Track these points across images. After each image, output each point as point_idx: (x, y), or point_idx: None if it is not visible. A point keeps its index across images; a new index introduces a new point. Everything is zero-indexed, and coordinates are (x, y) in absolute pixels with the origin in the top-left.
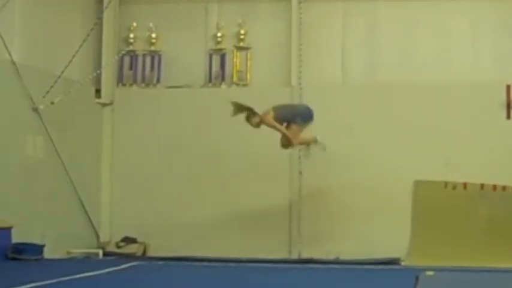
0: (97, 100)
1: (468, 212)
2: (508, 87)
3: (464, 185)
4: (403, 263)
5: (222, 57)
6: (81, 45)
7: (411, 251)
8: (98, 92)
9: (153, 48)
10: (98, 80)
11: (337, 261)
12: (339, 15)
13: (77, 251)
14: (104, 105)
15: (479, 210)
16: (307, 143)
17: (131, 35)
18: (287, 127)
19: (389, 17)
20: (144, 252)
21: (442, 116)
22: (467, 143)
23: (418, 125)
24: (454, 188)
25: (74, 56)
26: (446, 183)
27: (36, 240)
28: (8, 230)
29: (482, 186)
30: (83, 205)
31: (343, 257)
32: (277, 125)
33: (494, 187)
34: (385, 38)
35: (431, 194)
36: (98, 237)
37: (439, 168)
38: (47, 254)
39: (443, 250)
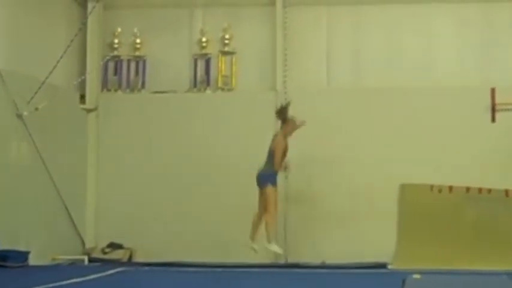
0: (81, 106)
1: (454, 215)
2: (493, 90)
3: (450, 188)
4: (389, 267)
5: (207, 62)
6: (65, 51)
7: (398, 254)
8: (82, 97)
9: (137, 53)
10: (82, 85)
11: (323, 266)
12: (324, 19)
13: (63, 258)
14: (89, 110)
15: (465, 213)
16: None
17: (116, 40)
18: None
19: (374, 20)
20: (130, 258)
21: (427, 120)
22: (453, 147)
23: (403, 128)
24: (440, 191)
25: (58, 62)
26: (432, 187)
27: (21, 247)
28: None
29: (467, 189)
30: (68, 211)
31: (330, 261)
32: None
33: (480, 190)
34: (370, 41)
35: (417, 197)
36: (83, 243)
37: (425, 172)
38: (32, 260)
39: (429, 253)
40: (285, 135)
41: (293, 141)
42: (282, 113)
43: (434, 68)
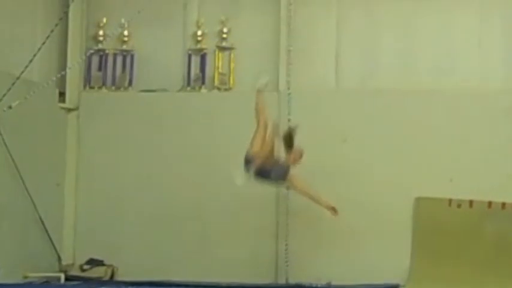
0: (61, 105)
1: (474, 232)
2: None
3: (470, 202)
4: None
5: (202, 58)
6: (43, 43)
7: (412, 275)
8: (62, 95)
9: (124, 47)
10: (62, 82)
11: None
12: (333, 12)
13: (36, 275)
14: (69, 110)
15: (487, 230)
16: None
17: (100, 32)
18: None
19: (388, 14)
20: (112, 276)
21: (445, 126)
22: (473, 156)
23: (418, 135)
24: (459, 205)
25: (35, 55)
26: (450, 201)
27: None
28: None
29: (489, 204)
30: (42, 223)
31: (336, 282)
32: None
33: (503, 205)
34: (383, 38)
35: (434, 212)
36: (59, 259)
37: (442, 184)
38: (1, 278)
39: (447, 274)
40: (293, 163)
41: None
42: (291, 139)
43: (454, 68)
